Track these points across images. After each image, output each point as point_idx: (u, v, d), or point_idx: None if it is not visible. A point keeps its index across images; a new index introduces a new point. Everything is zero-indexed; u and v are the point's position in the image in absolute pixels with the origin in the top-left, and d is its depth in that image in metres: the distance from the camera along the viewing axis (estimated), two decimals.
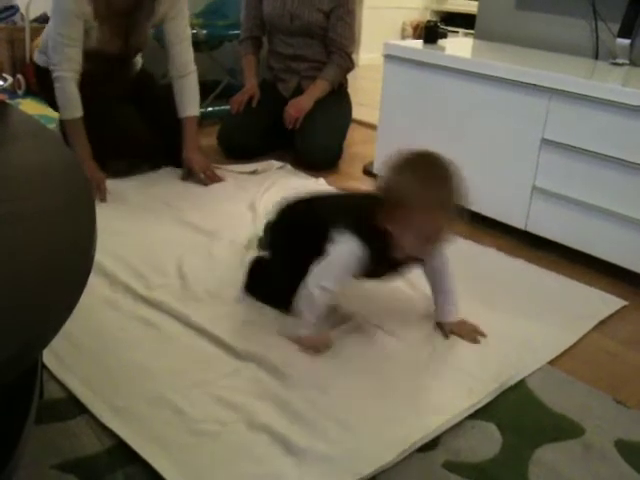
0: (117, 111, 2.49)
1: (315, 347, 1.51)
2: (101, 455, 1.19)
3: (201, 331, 1.56)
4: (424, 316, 1.69)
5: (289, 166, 2.74)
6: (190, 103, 2.53)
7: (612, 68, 2.24)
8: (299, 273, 1.52)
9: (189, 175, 2.54)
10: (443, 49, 2.41)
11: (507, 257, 2.10)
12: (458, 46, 2.54)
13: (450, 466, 1.22)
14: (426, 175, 1.40)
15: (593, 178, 2.01)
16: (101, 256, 1.78)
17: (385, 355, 1.53)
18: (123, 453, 1.19)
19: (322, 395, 1.37)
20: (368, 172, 2.75)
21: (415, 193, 1.37)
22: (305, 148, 2.77)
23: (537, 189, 2.15)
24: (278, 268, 1.68)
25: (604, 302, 1.86)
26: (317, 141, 2.75)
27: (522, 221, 2.21)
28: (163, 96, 2.57)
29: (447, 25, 2.89)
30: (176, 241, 2.03)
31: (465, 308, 1.66)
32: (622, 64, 2.27)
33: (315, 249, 1.51)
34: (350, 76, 3.01)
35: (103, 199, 2.28)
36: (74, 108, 2.30)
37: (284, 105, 2.82)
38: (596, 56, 2.38)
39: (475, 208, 2.31)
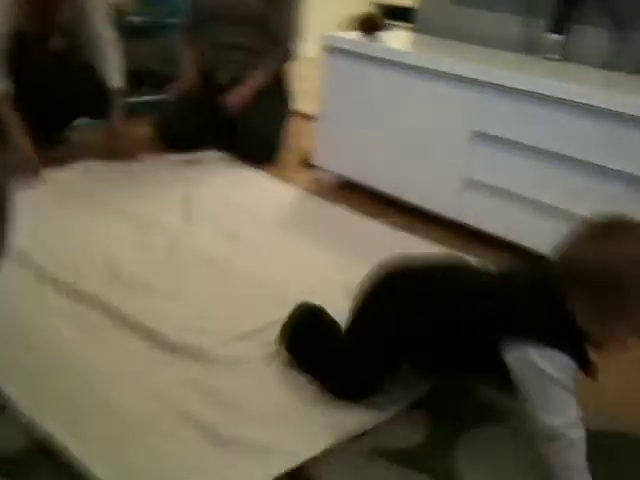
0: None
1: None
2: (27, 451, 1.16)
3: (132, 323, 1.53)
4: None
5: (228, 157, 2.72)
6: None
7: (543, 63, 2.30)
8: (386, 363, 1.31)
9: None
10: (381, 42, 2.42)
11: (435, 246, 2.13)
12: (396, 39, 2.56)
13: (377, 452, 1.24)
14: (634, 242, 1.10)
15: (523, 169, 2.06)
16: (28, 245, 1.74)
17: None
18: (49, 448, 1.17)
19: (255, 386, 1.37)
20: (306, 164, 2.75)
21: None
22: (244, 140, 2.75)
23: (468, 180, 2.19)
24: (366, 347, 1.32)
25: None
26: (256, 134, 2.74)
27: (455, 211, 2.25)
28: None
29: (389, 18, 2.90)
30: (107, 230, 1.99)
31: None
32: (553, 59, 2.33)
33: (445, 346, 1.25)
34: (293, 66, 2.99)
35: (37, 183, 2.23)
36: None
37: (223, 95, 2.79)
38: (529, 51, 2.43)
39: (409, 198, 2.35)
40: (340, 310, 1.43)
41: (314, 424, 1.27)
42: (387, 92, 2.35)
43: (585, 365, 1.13)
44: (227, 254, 1.93)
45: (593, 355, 1.13)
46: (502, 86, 2.04)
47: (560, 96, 1.93)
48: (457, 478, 1.20)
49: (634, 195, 1.86)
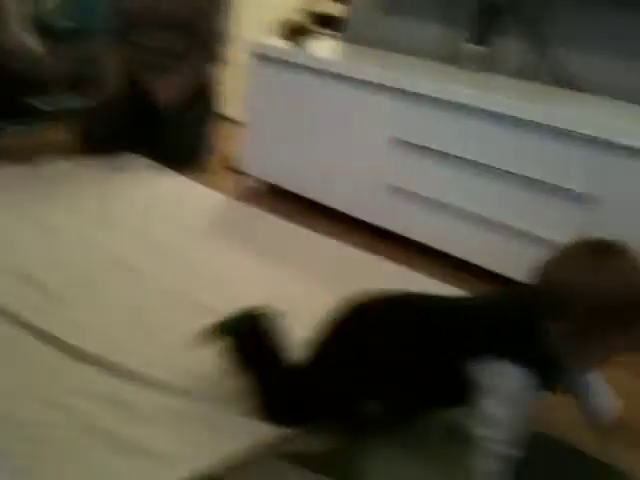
0: None
1: None
2: None
3: (39, 333, 1.48)
4: None
5: (152, 162, 2.67)
6: None
7: (463, 72, 2.34)
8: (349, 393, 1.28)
9: None
10: (307, 49, 2.42)
11: (362, 253, 2.15)
12: (323, 47, 2.57)
13: (289, 457, 1.23)
14: (627, 271, 1.10)
15: (442, 177, 2.09)
16: None
17: None
18: None
19: (160, 392, 1.35)
20: (231, 168, 2.73)
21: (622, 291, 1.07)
22: (168, 145, 2.70)
23: (390, 187, 2.21)
24: (327, 378, 1.28)
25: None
26: (181, 138, 2.70)
27: (379, 218, 2.27)
28: None
29: (319, 26, 2.91)
30: (19, 237, 1.92)
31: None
32: (474, 69, 2.38)
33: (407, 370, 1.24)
34: (220, 71, 2.96)
35: None
36: None
37: (147, 99, 2.73)
38: (451, 61, 2.47)
39: (334, 204, 2.36)
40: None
41: (223, 430, 1.26)
42: (312, 99, 2.35)
43: (550, 383, 1.17)
44: (146, 262, 1.88)
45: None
46: (422, 95, 2.07)
47: (477, 105, 1.97)
48: None
49: (546, 200, 1.92)
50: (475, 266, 2.08)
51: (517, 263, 1.97)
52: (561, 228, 1.87)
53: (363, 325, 1.29)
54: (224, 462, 1.18)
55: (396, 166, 2.19)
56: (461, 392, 1.18)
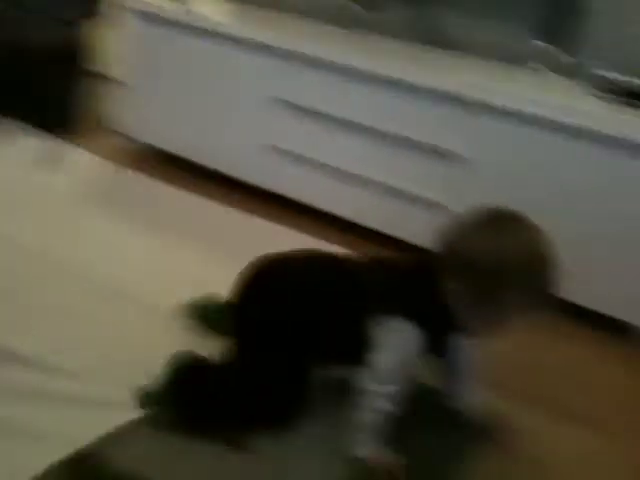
0: None
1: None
2: None
3: None
4: None
5: (22, 125, 2.49)
6: None
7: (347, 34, 2.33)
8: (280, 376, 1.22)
9: None
10: (189, 8, 2.33)
11: (249, 217, 2.13)
12: (206, 6, 2.49)
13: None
14: (523, 239, 1.15)
15: (322, 137, 2.09)
16: None
17: None
18: None
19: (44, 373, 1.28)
20: (108, 130, 2.60)
21: (508, 261, 1.12)
22: (38, 107, 2.54)
23: (272, 147, 2.18)
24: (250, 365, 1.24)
25: None
26: (50, 99, 2.55)
27: (261, 179, 2.25)
28: None
29: None
30: None
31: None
32: (359, 32, 2.37)
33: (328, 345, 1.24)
34: (95, 26, 2.80)
35: None
36: None
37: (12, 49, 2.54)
38: (338, 23, 2.45)
39: (217, 166, 2.31)
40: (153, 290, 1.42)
41: (99, 405, 1.22)
42: (195, 58, 2.28)
43: (440, 345, 1.24)
44: (19, 231, 1.77)
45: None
46: (304, 55, 2.04)
47: (357, 66, 1.97)
48: None
49: (425, 162, 1.96)
50: (362, 227, 2.10)
51: (401, 223, 2.03)
52: (436, 188, 1.94)
53: (276, 287, 1.28)
54: (105, 439, 1.14)
55: (278, 127, 2.16)
56: (363, 350, 1.20)
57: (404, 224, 2.02)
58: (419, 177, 1.98)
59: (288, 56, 2.07)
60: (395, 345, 1.17)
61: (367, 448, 1.17)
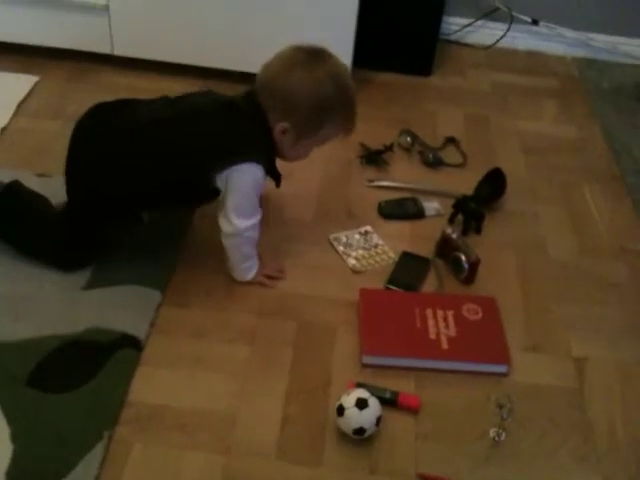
0: None
1: (273, 276, 1.43)
2: None
3: None
4: None
5: None
6: None
7: None
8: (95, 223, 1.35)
9: None
10: None
11: None
12: None
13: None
14: (334, 71, 1.28)
15: None
16: None
17: None
18: None
19: None
20: None
21: (329, 96, 1.26)
22: None
23: None
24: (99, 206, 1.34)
25: (19, 82, 1.93)
26: None
27: None
28: None
29: None
30: None
31: None
32: None
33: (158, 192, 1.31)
34: None
35: None
36: None
37: None
38: None
39: None
40: None
41: None
42: None
43: (275, 176, 1.38)
44: None
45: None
46: None
47: None
48: None
49: None
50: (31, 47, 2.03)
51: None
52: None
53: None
54: None
55: None
56: (214, 193, 1.31)
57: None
58: None
59: None
60: (246, 184, 1.28)
61: (252, 272, 1.39)
